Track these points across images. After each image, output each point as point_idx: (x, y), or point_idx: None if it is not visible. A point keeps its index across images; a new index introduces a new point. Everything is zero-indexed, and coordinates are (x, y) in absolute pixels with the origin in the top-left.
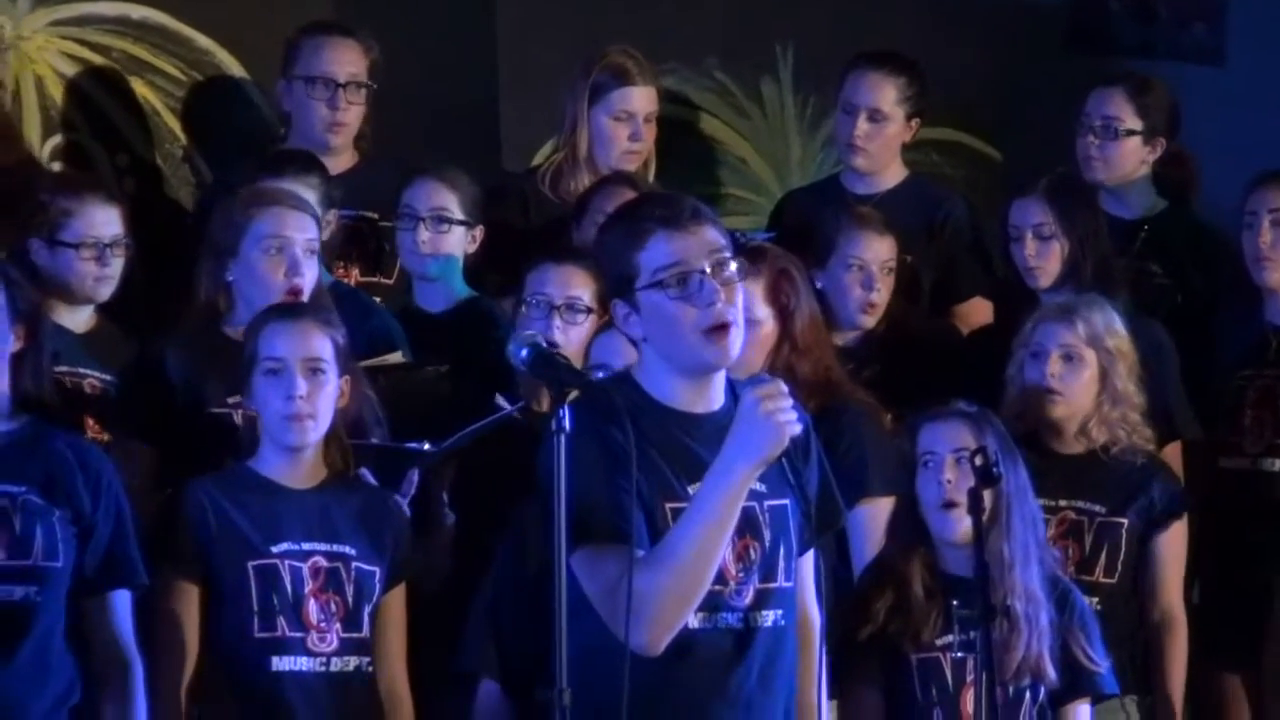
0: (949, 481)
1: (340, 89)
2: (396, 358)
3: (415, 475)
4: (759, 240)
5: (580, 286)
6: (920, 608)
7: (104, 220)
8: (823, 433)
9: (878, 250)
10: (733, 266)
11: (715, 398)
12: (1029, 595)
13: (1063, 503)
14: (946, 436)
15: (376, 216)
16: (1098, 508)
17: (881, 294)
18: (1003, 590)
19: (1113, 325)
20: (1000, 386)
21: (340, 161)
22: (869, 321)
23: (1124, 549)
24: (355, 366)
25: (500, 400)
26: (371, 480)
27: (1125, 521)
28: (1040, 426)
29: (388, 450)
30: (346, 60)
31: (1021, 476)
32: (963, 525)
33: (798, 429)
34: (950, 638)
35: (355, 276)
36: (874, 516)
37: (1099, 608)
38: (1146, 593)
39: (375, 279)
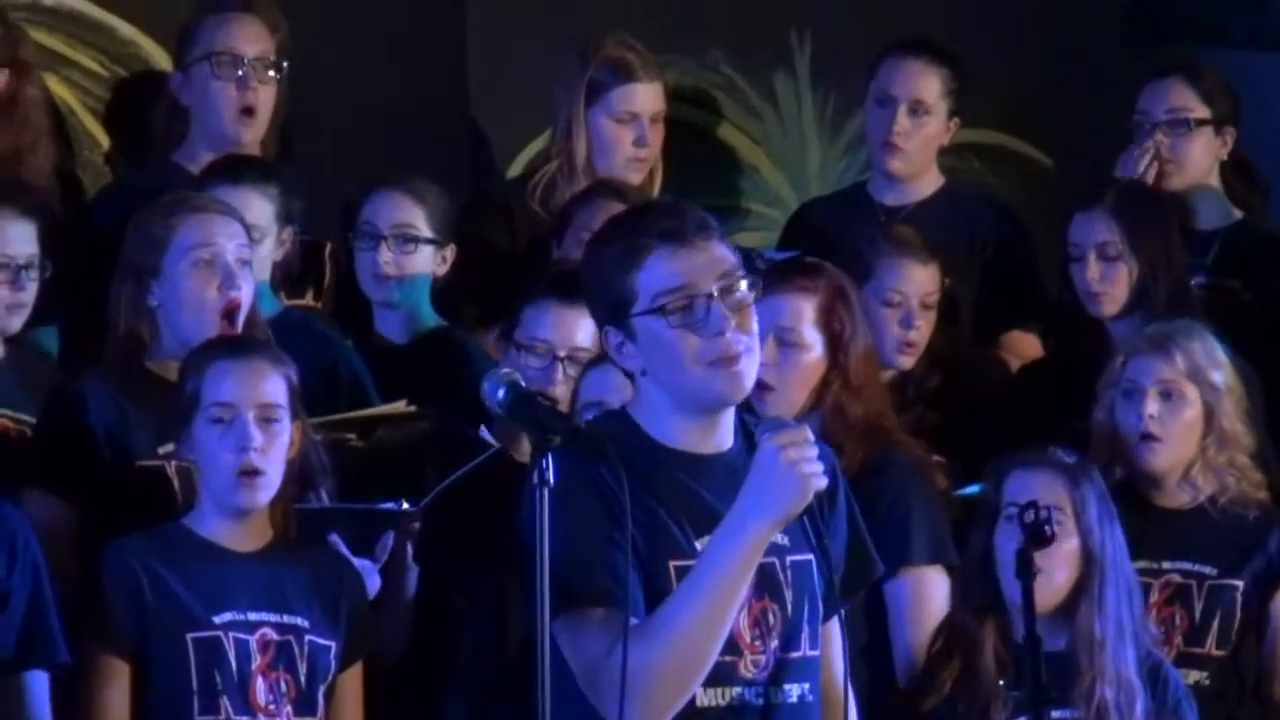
0: None
1: (248, 65)
2: (399, 406)
3: (390, 539)
4: (778, 259)
5: (589, 336)
6: (989, 682)
7: (17, 237)
8: (865, 488)
9: (919, 282)
10: (744, 287)
11: (724, 437)
12: (1122, 681)
13: (1166, 565)
14: (1037, 488)
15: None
16: (1207, 569)
17: (921, 331)
18: (1090, 673)
19: (1215, 355)
20: (1051, 428)
21: None
22: (906, 362)
23: (1239, 616)
24: (302, 411)
25: (485, 434)
26: (342, 548)
27: (1239, 584)
28: (1136, 477)
29: (362, 514)
30: (253, 35)
31: (1119, 540)
32: (1043, 592)
33: (824, 483)
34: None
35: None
36: (917, 587)
37: (1208, 683)
38: (1266, 666)
39: (303, 302)
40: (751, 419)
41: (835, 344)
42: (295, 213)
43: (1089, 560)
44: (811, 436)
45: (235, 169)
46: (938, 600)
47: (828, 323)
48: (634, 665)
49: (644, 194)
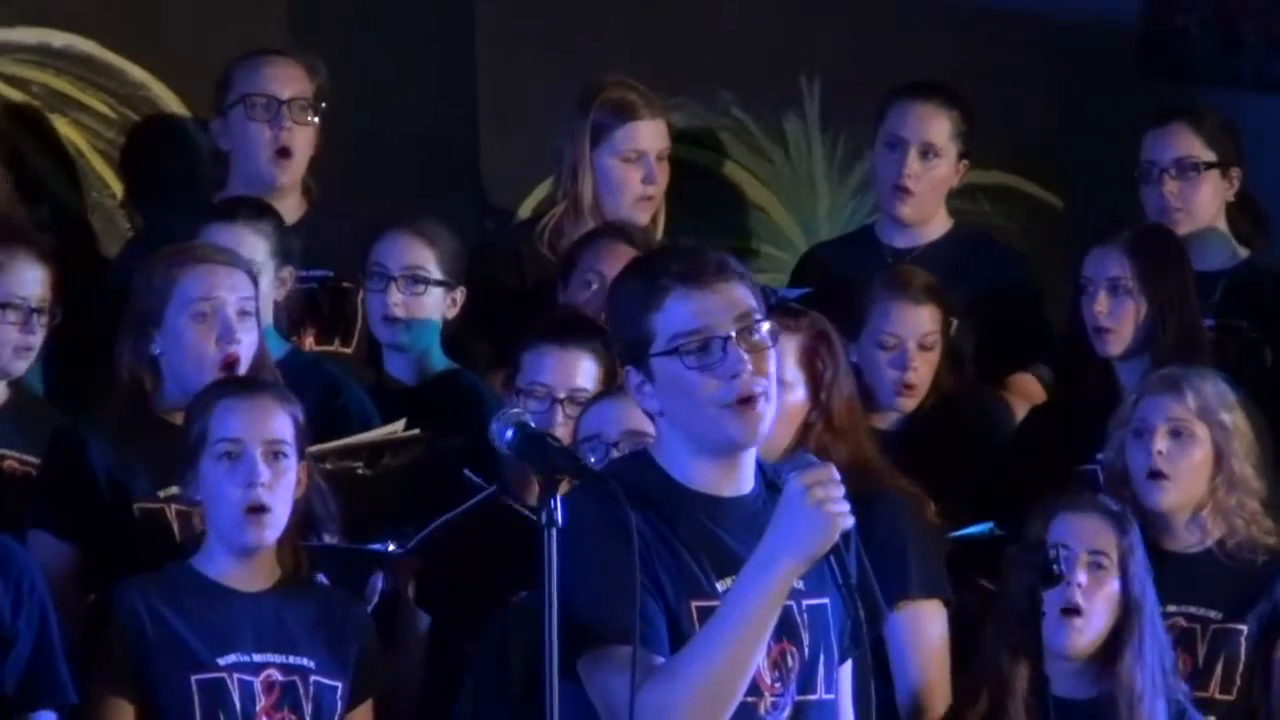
0: (1079, 586)
1: (284, 106)
2: (396, 429)
3: (379, 581)
4: (792, 298)
5: (590, 378)
6: None
7: (31, 280)
8: (858, 525)
9: (914, 323)
10: (764, 329)
11: (744, 480)
12: None
13: (1172, 608)
14: (1085, 532)
15: (331, 275)
16: (1212, 613)
17: (920, 373)
18: None
19: (1227, 398)
20: (1056, 471)
21: (286, 209)
22: (907, 404)
23: (1243, 660)
24: (310, 452)
25: (470, 476)
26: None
27: (1244, 629)
28: (1145, 519)
29: (345, 553)
30: (289, 78)
31: (1151, 593)
32: (1083, 639)
33: (850, 522)
34: None
35: (309, 345)
36: (914, 621)
37: None
38: (1274, 713)
39: (332, 348)
40: (772, 466)
41: (817, 385)
42: (294, 251)
43: (1130, 608)
44: (837, 475)
45: (230, 209)
46: (935, 633)
47: (810, 363)
48: (662, 704)
49: (649, 235)
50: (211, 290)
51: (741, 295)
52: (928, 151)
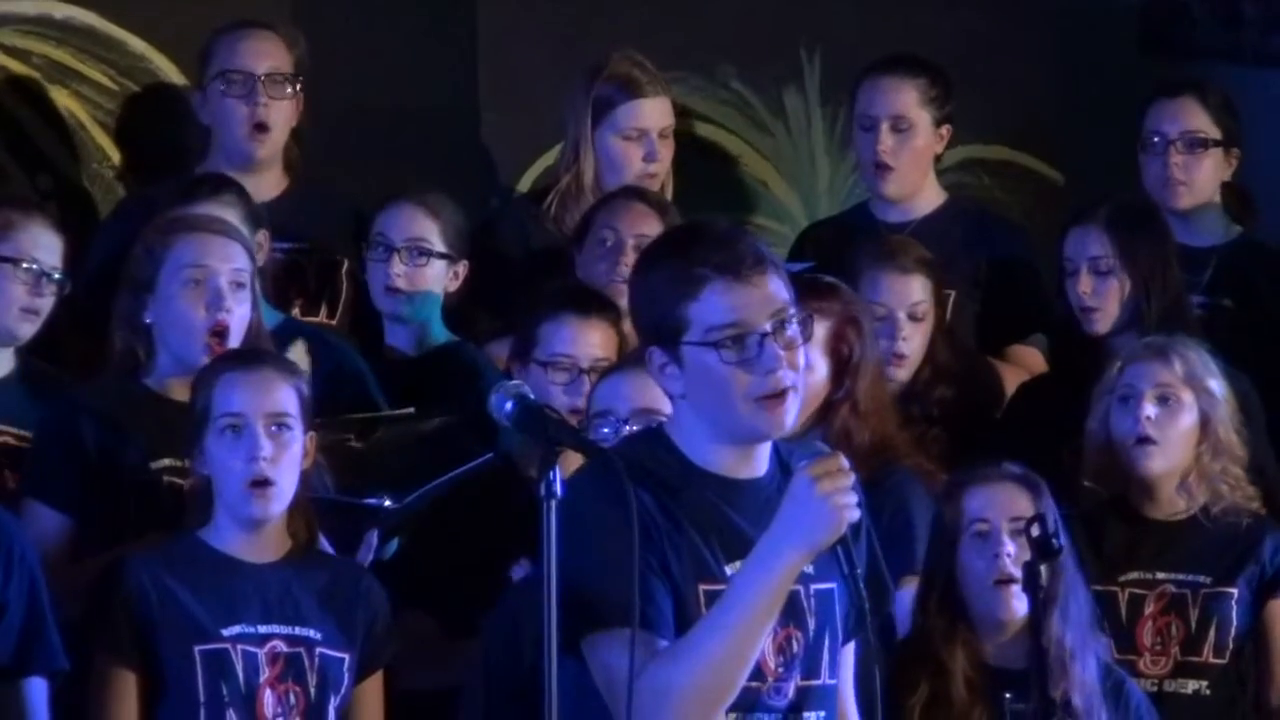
0: (1008, 555)
1: (259, 82)
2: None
3: (374, 537)
4: (794, 270)
5: (609, 348)
6: (962, 704)
7: (45, 245)
8: (869, 501)
9: (902, 293)
10: (796, 324)
11: (760, 463)
12: (1088, 689)
13: (1161, 575)
14: (1001, 503)
15: (305, 246)
16: (1202, 578)
17: (911, 343)
18: (1062, 685)
19: (1211, 366)
20: (1050, 445)
21: (266, 185)
22: (899, 374)
23: (1235, 624)
24: (316, 423)
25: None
26: (325, 545)
27: (1234, 592)
28: (1131, 487)
29: (339, 505)
30: (265, 52)
31: (1072, 548)
32: (1018, 607)
33: (857, 514)
34: None
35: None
36: None
37: (1208, 692)
38: (1264, 673)
39: (318, 319)
40: (786, 446)
41: (842, 368)
42: (262, 216)
43: (1054, 572)
44: (847, 465)
45: (188, 188)
46: None
47: (836, 348)
48: (664, 687)
49: (664, 199)
50: (203, 258)
51: (776, 289)
52: (899, 124)
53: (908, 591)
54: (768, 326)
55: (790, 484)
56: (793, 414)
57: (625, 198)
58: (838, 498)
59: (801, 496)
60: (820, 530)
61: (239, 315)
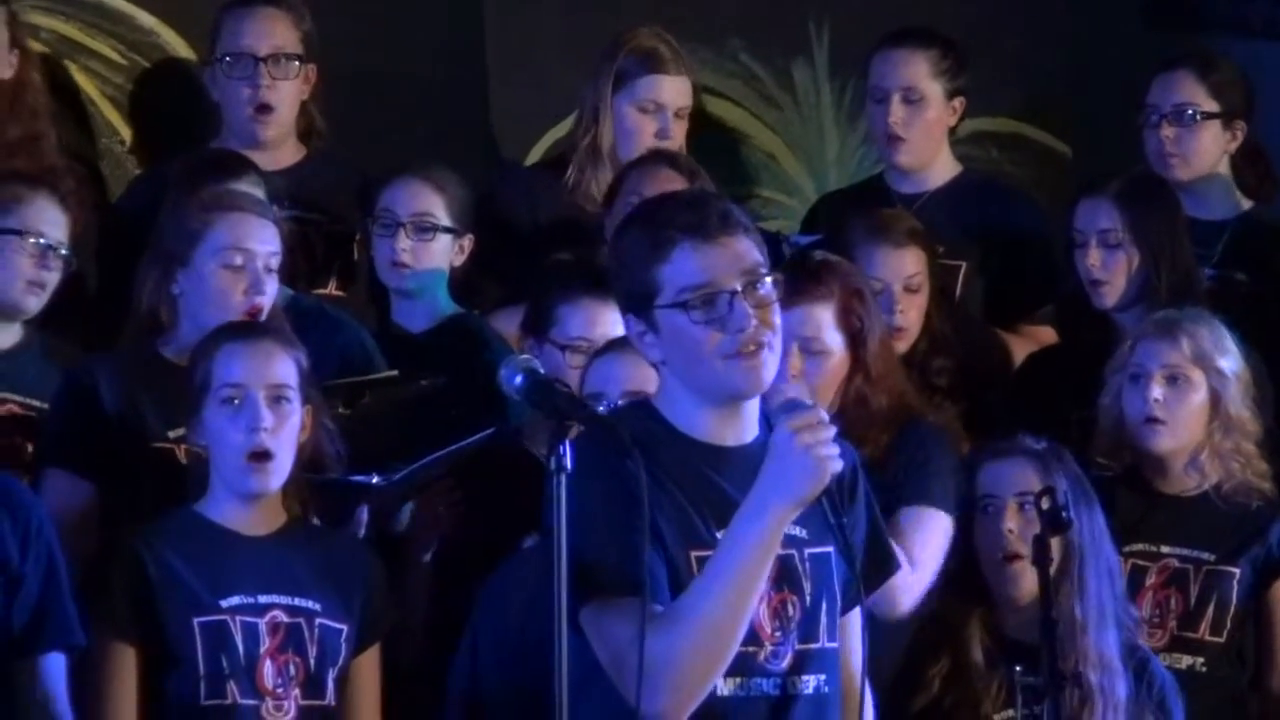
0: (1011, 531)
1: (260, 64)
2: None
3: (364, 514)
4: (804, 243)
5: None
6: (980, 676)
7: (51, 220)
8: (891, 454)
9: (896, 266)
10: (768, 283)
11: (748, 428)
12: (1104, 663)
13: (1164, 549)
14: (1010, 479)
15: (321, 219)
16: (1205, 555)
17: (908, 315)
18: (1073, 656)
19: (1223, 342)
20: (1057, 417)
21: (279, 156)
22: (899, 346)
23: (1234, 603)
24: (316, 394)
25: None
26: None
27: (1237, 571)
28: (1141, 463)
29: (328, 485)
30: (267, 31)
31: (1098, 524)
32: (1027, 582)
33: (839, 465)
34: (1012, 711)
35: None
36: (922, 519)
37: (1205, 670)
38: (1260, 656)
39: (327, 291)
40: (775, 413)
41: (856, 341)
42: (279, 189)
43: (1066, 545)
44: (826, 418)
45: (209, 166)
46: (936, 539)
47: (847, 323)
48: (660, 652)
49: (694, 163)
50: (245, 240)
51: (747, 249)
52: (910, 95)
53: (922, 512)
54: (738, 285)
55: (771, 439)
56: (770, 370)
57: (654, 162)
58: (819, 449)
59: (783, 449)
60: (803, 482)
61: (269, 297)
